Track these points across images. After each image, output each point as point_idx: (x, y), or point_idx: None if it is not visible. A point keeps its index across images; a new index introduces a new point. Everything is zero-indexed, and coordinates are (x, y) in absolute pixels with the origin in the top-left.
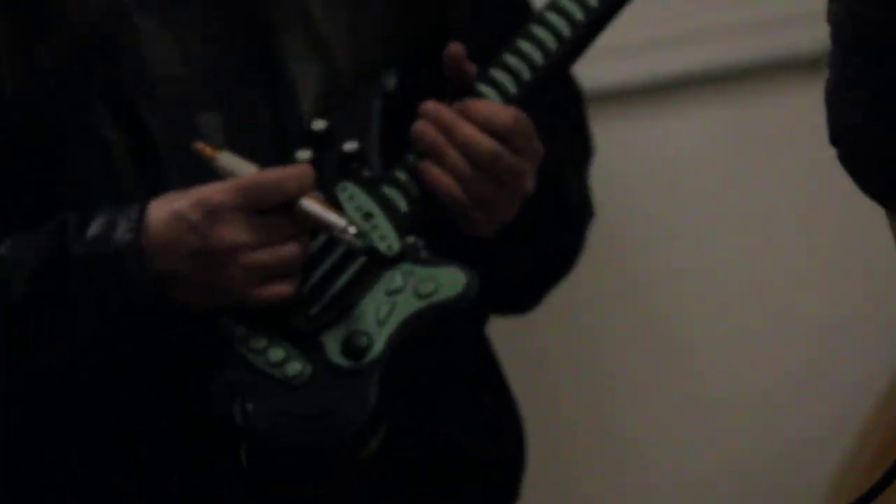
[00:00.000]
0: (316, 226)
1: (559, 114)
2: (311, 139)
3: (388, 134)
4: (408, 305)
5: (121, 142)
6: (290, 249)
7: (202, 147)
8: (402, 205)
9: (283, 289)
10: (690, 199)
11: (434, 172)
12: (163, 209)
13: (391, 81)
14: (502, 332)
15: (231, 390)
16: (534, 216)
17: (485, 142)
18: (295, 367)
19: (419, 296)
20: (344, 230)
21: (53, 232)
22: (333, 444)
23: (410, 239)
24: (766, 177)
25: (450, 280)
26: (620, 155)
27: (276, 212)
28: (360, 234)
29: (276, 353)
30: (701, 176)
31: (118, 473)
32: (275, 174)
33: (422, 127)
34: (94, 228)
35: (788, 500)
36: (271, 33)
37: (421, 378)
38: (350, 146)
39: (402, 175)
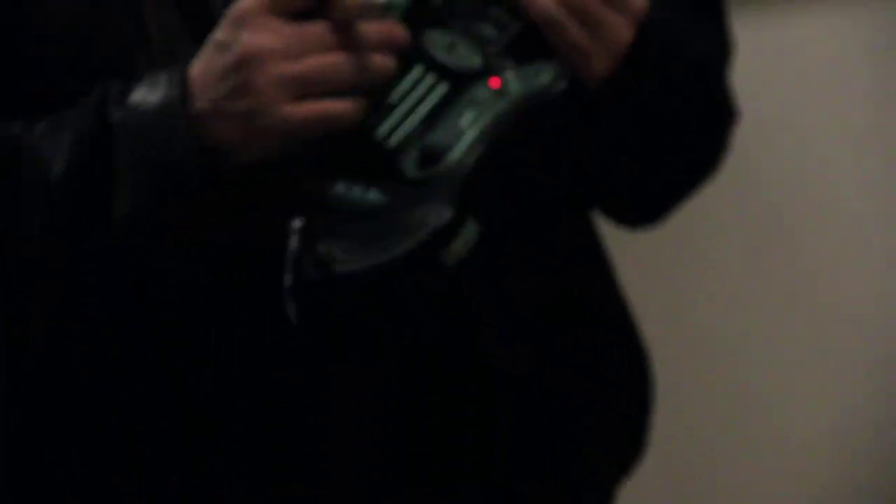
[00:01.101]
0: (351, 8)
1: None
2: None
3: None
4: (490, 109)
5: (182, 31)
6: (330, 58)
7: None
8: (490, 33)
9: (328, 105)
10: (831, 119)
11: None
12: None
13: None
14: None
15: (293, 232)
16: (660, 95)
17: None
18: (373, 195)
19: (501, 96)
20: None
21: (93, 102)
22: (408, 251)
23: (500, 57)
24: None
25: (534, 74)
26: (748, 64)
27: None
28: None
29: (354, 192)
30: (847, 91)
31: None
32: None
33: None
34: (137, 92)
35: None
36: None
37: (514, 204)
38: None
39: (492, 9)
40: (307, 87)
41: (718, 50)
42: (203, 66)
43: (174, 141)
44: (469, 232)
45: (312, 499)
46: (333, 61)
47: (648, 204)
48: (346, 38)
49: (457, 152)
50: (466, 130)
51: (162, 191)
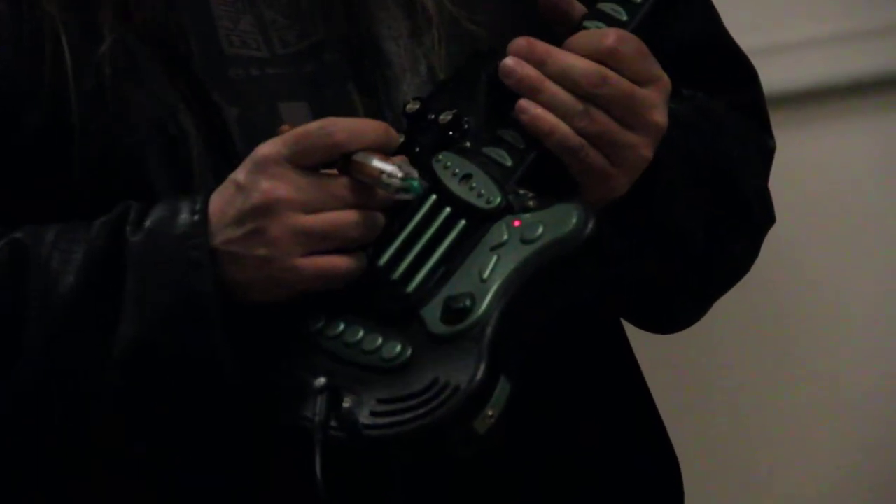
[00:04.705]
0: (367, 179)
1: (729, 97)
2: (406, 120)
3: (497, 109)
4: (513, 256)
5: (196, 137)
6: (345, 216)
7: (287, 129)
8: (506, 160)
9: (337, 262)
10: (845, 223)
11: (531, 110)
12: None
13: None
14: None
15: (318, 391)
16: (696, 208)
17: (584, 65)
18: (393, 348)
19: (525, 242)
20: (390, 174)
21: (110, 220)
22: (440, 419)
23: (518, 191)
24: None
25: (559, 218)
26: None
27: (337, 173)
28: (410, 181)
29: (371, 340)
30: (858, 198)
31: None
32: (324, 121)
33: (511, 63)
34: (156, 214)
35: None
36: (366, 10)
37: (541, 343)
38: (445, 116)
39: (505, 133)
40: (320, 242)
41: (754, 155)
42: (221, 204)
43: (196, 271)
44: (501, 393)
45: None
46: (349, 219)
47: (677, 311)
48: (362, 197)
49: (482, 306)
50: (490, 279)
51: (176, 318)
